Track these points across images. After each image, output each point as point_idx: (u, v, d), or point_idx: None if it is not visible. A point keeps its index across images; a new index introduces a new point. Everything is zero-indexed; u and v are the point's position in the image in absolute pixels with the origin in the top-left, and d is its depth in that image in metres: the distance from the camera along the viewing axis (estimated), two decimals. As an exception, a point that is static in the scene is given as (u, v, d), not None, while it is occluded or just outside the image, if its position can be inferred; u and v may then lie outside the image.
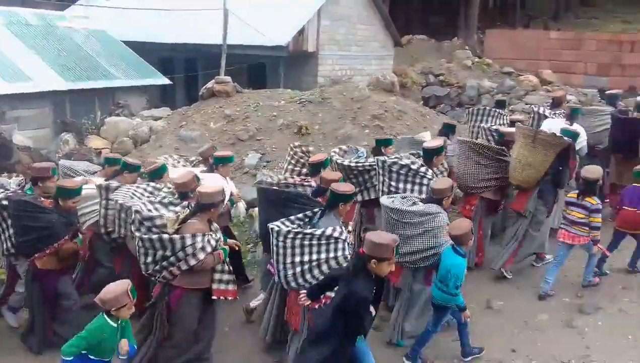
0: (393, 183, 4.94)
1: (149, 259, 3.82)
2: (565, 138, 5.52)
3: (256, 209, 5.88)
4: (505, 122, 7.24)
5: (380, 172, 5.01)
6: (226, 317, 4.80)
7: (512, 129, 6.09)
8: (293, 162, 5.61)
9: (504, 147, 5.80)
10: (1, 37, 12.44)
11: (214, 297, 3.99)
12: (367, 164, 5.26)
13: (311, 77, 15.31)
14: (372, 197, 5.33)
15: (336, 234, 3.82)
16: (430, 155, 5.09)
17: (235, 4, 13.67)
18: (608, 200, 7.04)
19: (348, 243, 3.92)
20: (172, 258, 3.73)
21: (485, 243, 5.95)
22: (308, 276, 3.86)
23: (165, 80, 14.71)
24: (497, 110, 7.61)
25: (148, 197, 4.52)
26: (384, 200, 4.56)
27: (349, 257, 3.88)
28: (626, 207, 5.44)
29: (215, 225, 4.02)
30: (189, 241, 3.72)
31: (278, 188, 4.59)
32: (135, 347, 3.53)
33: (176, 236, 3.73)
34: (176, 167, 5.62)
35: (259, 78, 14.67)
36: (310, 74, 15.46)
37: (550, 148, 5.43)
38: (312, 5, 14.90)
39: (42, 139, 11.23)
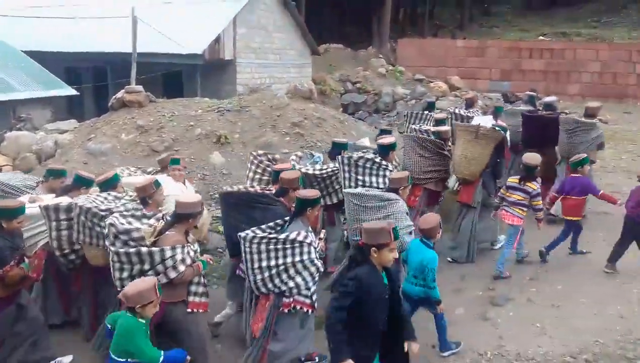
0: (360, 177, 5.28)
1: (125, 274, 3.67)
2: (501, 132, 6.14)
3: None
4: (415, 125, 7.53)
5: (346, 168, 5.33)
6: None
7: (447, 128, 6.79)
8: (259, 171, 5.60)
9: (442, 142, 6.24)
10: None
11: (188, 310, 3.89)
12: (330, 170, 5.52)
13: (229, 85, 15.10)
14: (335, 201, 5.61)
15: (300, 238, 3.88)
16: (386, 151, 5.48)
17: (147, 12, 13.20)
18: None
19: (314, 247, 3.98)
20: (150, 272, 3.60)
21: None
22: (277, 281, 3.93)
23: (71, 91, 13.81)
24: (428, 112, 8.07)
25: (108, 205, 4.29)
26: (348, 189, 4.89)
27: (315, 260, 3.96)
28: (568, 196, 5.95)
29: (192, 237, 3.95)
30: (168, 253, 3.61)
31: (239, 191, 4.64)
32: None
33: (155, 249, 3.62)
34: (133, 175, 5.47)
35: (175, 87, 14.23)
36: (229, 82, 15.24)
37: (491, 141, 6.04)
38: (227, 14, 14.72)
39: None
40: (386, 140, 5.71)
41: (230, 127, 9.35)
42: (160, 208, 4.38)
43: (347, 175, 5.36)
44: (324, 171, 5.54)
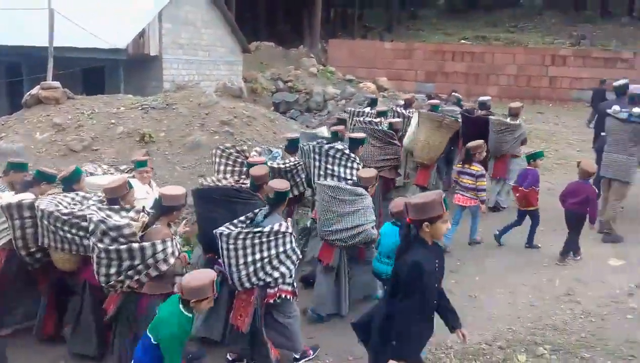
0: (329, 167, 5.48)
1: (113, 270, 3.62)
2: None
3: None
4: (373, 118, 7.88)
5: (317, 157, 5.53)
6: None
7: (399, 119, 7.48)
8: (230, 163, 5.64)
9: (393, 132, 6.70)
10: None
11: None
12: (292, 163, 5.66)
13: (155, 82, 14.61)
14: (296, 193, 5.74)
15: (283, 229, 3.95)
16: (356, 145, 5.73)
17: (66, 4, 12.46)
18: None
19: (293, 236, 4.07)
20: (140, 267, 3.59)
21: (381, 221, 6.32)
22: (261, 274, 3.96)
23: (-20, 87, 12.82)
24: (370, 109, 8.67)
25: (74, 207, 4.12)
26: (321, 181, 5.10)
27: (295, 248, 4.06)
28: (522, 188, 6.27)
29: (174, 229, 3.94)
30: (159, 247, 3.62)
31: (220, 187, 4.67)
32: None
33: (146, 244, 3.60)
34: (108, 174, 5.33)
35: (97, 83, 13.57)
36: (154, 78, 14.75)
37: (450, 131, 6.84)
38: (152, 8, 14.24)
39: None
40: (357, 135, 6.02)
41: (155, 125, 9.04)
42: None
43: (317, 163, 5.54)
44: (287, 164, 5.65)
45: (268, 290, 4.03)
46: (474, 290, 5.51)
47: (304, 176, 5.70)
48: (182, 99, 9.92)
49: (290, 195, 5.38)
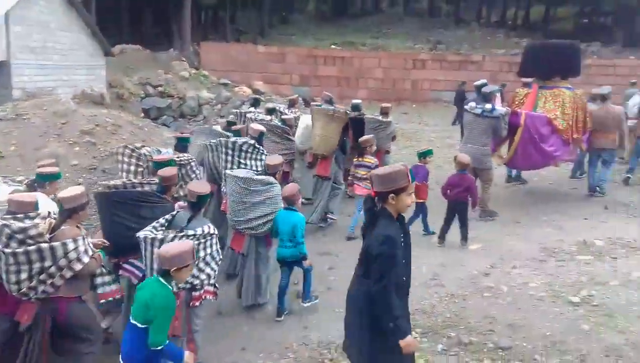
0: (242, 161, 5.77)
1: (24, 276, 3.44)
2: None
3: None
4: (256, 117, 8.07)
5: (230, 152, 5.80)
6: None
7: (292, 116, 8.03)
8: (134, 161, 5.50)
9: (289, 128, 7.29)
10: None
11: (102, 301, 4.05)
12: (186, 158, 5.64)
13: (3, 90, 13.04)
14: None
15: (211, 230, 4.00)
16: (261, 138, 6.23)
17: None
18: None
19: (217, 237, 4.12)
20: (52, 269, 3.47)
21: None
22: (188, 277, 3.87)
23: None
24: (254, 108, 9.02)
25: None
26: (230, 171, 5.26)
27: (219, 250, 4.10)
28: (418, 183, 6.63)
29: (83, 230, 3.83)
30: (71, 246, 3.53)
31: (127, 189, 4.59)
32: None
33: (57, 243, 3.49)
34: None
35: None
36: (2, 86, 13.17)
37: (341, 122, 7.40)
38: (-4, 8, 12.70)
39: None
40: (257, 127, 6.39)
41: (3, 138, 8.09)
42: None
43: (229, 158, 5.81)
44: (181, 159, 5.58)
45: (193, 293, 4.03)
46: (351, 285, 5.70)
47: (198, 172, 5.74)
48: (34, 108, 9.03)
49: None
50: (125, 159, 5.49)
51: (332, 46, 25.06)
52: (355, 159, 7.11)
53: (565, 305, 4.78)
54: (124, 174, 5.42)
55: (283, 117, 7.77)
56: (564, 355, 3.97)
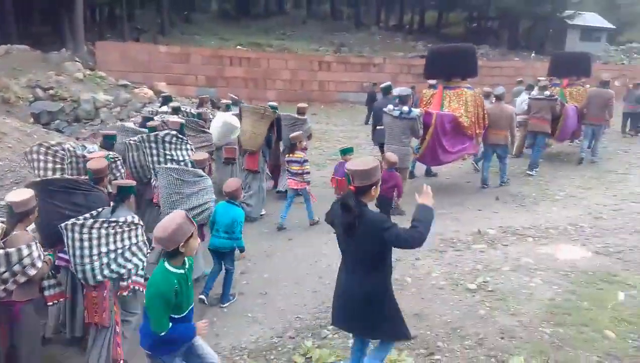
0: (168, 152, 5.91)
1: None
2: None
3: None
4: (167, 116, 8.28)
5: (154, 145, 5.92)
6: None
7: (206, 110, 8.69)
8: (50, 159, 5.35)
9: (204, 121, 8.02)
10: None
11: (50, 304, 4.08)
12: (111, 156, 5.61)
13: None
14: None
15: (136, 220, 4.07)
16: (182, 129, 6.63)
17: None
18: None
19: (143, 228, 4.17)
20: (6, 274, 3.52)
21: None
22: (114, 266, 3.96)
23: None
24: (166, 106, 9.16)
25: None
26: (167, 165, 5.46)
27: (145, 241, 4.17)
28: (338, 178, 7.25)
29: (31, 234, 3.86)
30: (25, 252, 3.57)
31: (57, 177, 4.63)
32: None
33: (11, 249, 3.52)
34: None
35: None
36: None
37: (269, 120, 8.00)
38: None
39: None
40: (175, 120, 6.98)
41: None
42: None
43: (155, 151, 5.95)
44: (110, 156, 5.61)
45: (121, 283, 4.07)
46: (264, 287, 5.70)
47: (123, 171, 5.74)
48: None
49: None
50: (41, 157, 5.40)
51: (238, 47, 24.77)
52: (287, 155, 7.56)
53: (464, 292, 5.12)
54: (41, 171, 5.33)
55: (199, 110, 8.23)
56: (464, 340, 4.25)
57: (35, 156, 5.39)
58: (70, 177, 4.74)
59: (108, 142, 6.21)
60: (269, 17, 33.31)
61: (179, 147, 6.01)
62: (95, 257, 3.86)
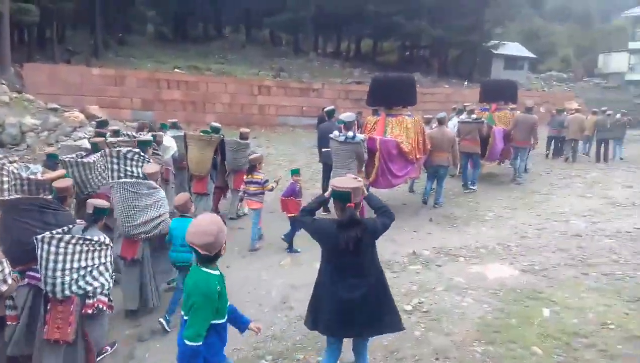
0: (128, 168, 6.11)
1: None
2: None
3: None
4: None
5: (115, 161, 6.13)
6: None
7: (161, 133, 8.68)
8: (5, 179, 5.16)
9: (156, 143, 7.94)
10: None
11: (9, 323, 4.02)
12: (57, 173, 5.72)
13: None
14: None
15: (107, 241, 4.24)
16: (145, 146, 6.89)
17: None
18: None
19: (112, 249, 4.36)
20: None
21: None
22: (81, 282, 4.07)
23: None
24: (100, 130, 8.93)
25: None
26: (121, 180, 5.61)
27: (112, 262, 4.36)
28: (284, 198, 7.44)
29: None
30: None
31: (26, 196, 4.69)
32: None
33: None
34: None
35: None
36: None
37: (215, 145, 8.60)
38: None
39: None
40: (145, 138, 7.30)
41: None
42: None
43: (115, 166, 6.14)
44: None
45: (87, 300, 4.15)
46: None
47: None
48: None
49: None
50: None
51: (176, 70, 24.40)
52: (246, 177, 7.75)
53: (401, 313, 5.22)
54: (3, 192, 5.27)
55: (154, 133, 8.46)
56: (401, 362, 4.34)
57: None
58: (38, 196, 4.85)
59: (51, 161, 6.33)
60: (207, 41, 33.14)
61: (139, 164, 6.22)
62: (67, 272, 3.97)
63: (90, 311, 4.16)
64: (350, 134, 8.19)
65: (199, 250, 2.97)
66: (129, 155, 6.18)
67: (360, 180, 3.66)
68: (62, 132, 14.81)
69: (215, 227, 2.96)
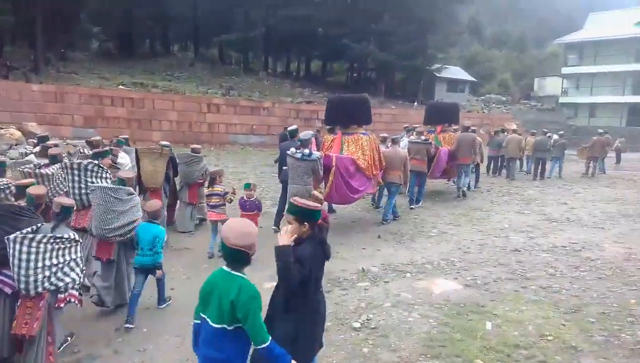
0: (89, 180, 6.25)
1: None
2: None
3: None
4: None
5: (76, 173, 6.25)
6: None
7: (118, 148, 9.03)
8: None
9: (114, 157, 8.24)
10: None
11: None
12: (4, 183, 5.74)
13: None
14: None
15: (77, 238, 4.42)
16: (100, 156, 7.22)
17: None
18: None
19: (81, 245, 4.53)
20: None
21: None
22: (53, 279, 4.19)
23: None
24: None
25: None
26: (102, 184, 5.89)
27: (82, 257, 4.48)
28: (245, 213, 7.54)
29: None
30: None
31: (8, 203, 5.00)
32: None
33: None
34: None
35: None
36: None
37: (167, 157, 8.65)
38: None
39: None
40: (99, 150, 7.56)
41: None
42: None
43: (77, 178, 6.25)
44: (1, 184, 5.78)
45: (59, 295, 4.29)
46: (142, 344, 5.30)
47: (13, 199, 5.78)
48: None
49: None
50: None
51: (121, 86, 23.77)
52: (207, 189, 7.98)
53: (349, 331, 5.26)
54: None
55: (110, 148, 8.53)
56: (349, 379, 4.34)
57: None
58: (13, 203, 5.01)
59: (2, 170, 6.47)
60: (154, 57, 32.58)
61: (100, 175, 6.37)
62: (39, 270, 4.08)
63: (62, 305, 4.35)
64: (306, 151, 8.42)
65: (246, 251, 2.89)
66: (89, 167, 6.31)
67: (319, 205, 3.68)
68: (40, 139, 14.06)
69: (253, 228, 2.96)
